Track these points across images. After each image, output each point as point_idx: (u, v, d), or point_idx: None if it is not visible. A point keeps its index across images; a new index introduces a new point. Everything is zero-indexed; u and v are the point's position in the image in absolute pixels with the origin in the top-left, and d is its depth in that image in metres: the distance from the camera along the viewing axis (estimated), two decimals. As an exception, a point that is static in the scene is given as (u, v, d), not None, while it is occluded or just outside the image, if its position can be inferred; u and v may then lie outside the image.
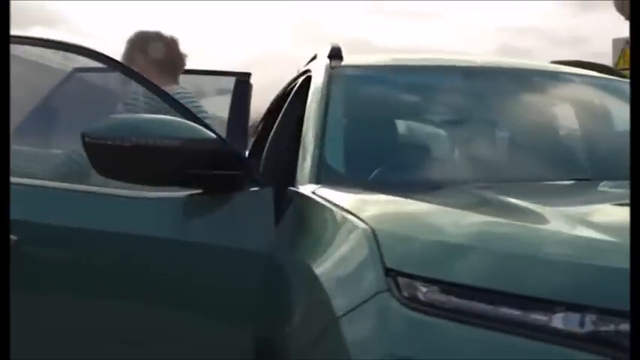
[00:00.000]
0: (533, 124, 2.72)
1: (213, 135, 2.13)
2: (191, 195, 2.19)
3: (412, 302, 1.35)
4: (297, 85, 3.00)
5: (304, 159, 2.24)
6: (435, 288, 1.35)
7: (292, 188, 2.14)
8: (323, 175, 2.16)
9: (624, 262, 1.23)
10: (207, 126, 2.20)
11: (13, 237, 2.19)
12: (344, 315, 1.42)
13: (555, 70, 3.03)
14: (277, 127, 2.90)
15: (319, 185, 2.08)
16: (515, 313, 1.27)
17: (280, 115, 2.96)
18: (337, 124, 2.40)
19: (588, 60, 3.29)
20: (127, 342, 2.24)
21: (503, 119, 2.73)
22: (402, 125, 2.75)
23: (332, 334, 1.42)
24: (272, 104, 3.84)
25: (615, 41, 12.63)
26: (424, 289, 1.36)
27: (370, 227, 1.55)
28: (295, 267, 1.76)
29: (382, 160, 2.46)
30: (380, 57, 3.17)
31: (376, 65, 2.88)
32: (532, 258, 1.34)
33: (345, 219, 1.69)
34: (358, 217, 1.64)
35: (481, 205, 1.77)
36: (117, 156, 2.07)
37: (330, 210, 1.79)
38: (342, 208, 1.75)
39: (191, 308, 2.15)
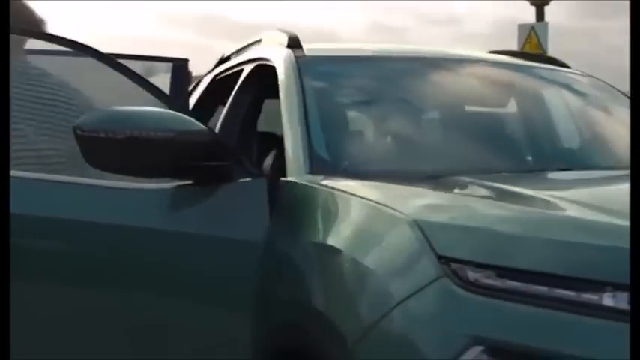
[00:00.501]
0: (507, 115, 2.89)
1: (203, 127, 2.16)
2: (183, 186, 2.21)
3: (470, 285, 1.47)
4: (243, 73, 3.02)
5: (293, 151, 2.27)
6: (491, 272, 1.47)
7: (288, 179, 2.21)
8: (315, 166, 2.21)
9: None
10: (198, 118, 2.26)
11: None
12: (404, 300, 1.51)
13: (514, 62, 3.18)
14: (229, 116, 2.97)
15: (322, 176, 2.13)
16: (569, 293, 1.41)
17: (230, 103, 2.99)
18: (319, 115, 2.46)
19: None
20: (121, 331, 2.27)
21: (479, 110, 2.88)
22: (378, 115, 2.85)
23: (393, 318, 1.52)
24: (207, 91, 3.71)
25: (521, 27, 13.05)
26: (479, 274, 1.48)
27: (410, 217, 1.63)
28: (319, 256, 1.82)
29: (370, 150, 2.53)
30: (337, 47, 3.21)
31: (343, 56, 2.92)
32: (578, 244, 1.48)
33: (379, 210, 1.77)
34: (392, 208, 1.75)
35: (503, 195, 1.90)
36: (109, 148, 2.10)
37: (358, 201, 1.88)
38: (372, 200, 1.84)
39: (183, 297, 2.15)
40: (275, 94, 2.69)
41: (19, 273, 2.18)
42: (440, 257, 1.52)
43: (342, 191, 1.98)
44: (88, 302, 2.29)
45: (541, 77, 3.13)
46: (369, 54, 3.02)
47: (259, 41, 3.26)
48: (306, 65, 2.63)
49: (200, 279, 2.17)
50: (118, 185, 2.32)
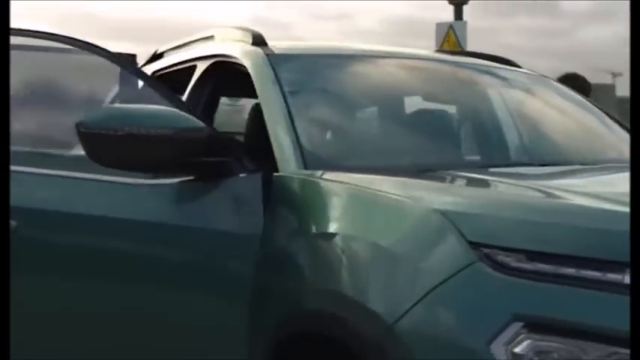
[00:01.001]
0: (479, 111, 3.09)
1: (202, 124, 2.27)
2: (184, 182, 2.33)
3: (503, 268, 1.63)
4: (198, 70, 3.09)
5: (283, 147, 2.38)
6: (521, 256, 1.64)
7: (287, 174, 2.32)
8: (309, 161, 2.33)
9: None
10: (198, 115, 2.38)
11: (12, 222, 2.29)
12: (442, 283, 1.66)
13: (475, 62, 3.38)
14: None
15: (320, 171, 2.24)
16: (595, 273, 1.59)
17: (186, 99, 3.00)
18: (302, 112, 2.58)
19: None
20: (122, 320, 2.37)
21: (453, 106, 3.07)
22: (356, 110, 3.00)
23: (432, 300, 1.66)
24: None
25: (439, 25, 13.40)
26: (509, 257, 1.65)
27: (435, 208, 1.80)
28: (344, 246, 1.94)
29: (355, 144, 2.68)
30: (299, 44, 3.28)
31: (313, 54, 3.06)
32: (597, 230, 1.67)
33: (400, 202, 1.91)
34: (414, 199, 1.91)
35: (511, 187, 2.09)
36: (111, 145, 2.20)
37: (375, 194, 2.02)
38: (391, 193, 1.99)
39: (183, 288, 2.29)
40: (238, 91, 2.80)
41: (24, 265, 2.26)
42: (471, 243, 1.68)
43: (356, 185, 2.12)
44: (91, 292, 2.39)
45: (499, 76, 3.33)
46: (338, 52, 3.16)
47: (211, 37, 3.34)
48: (278, 63, 2.74)
49: (199, 269, 2.28)
50: (119, 180, 2.43)
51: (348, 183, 2.15)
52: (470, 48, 12.66)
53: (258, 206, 2.25)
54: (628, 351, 1.50)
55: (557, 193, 1.97)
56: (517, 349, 1.55)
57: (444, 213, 1.77)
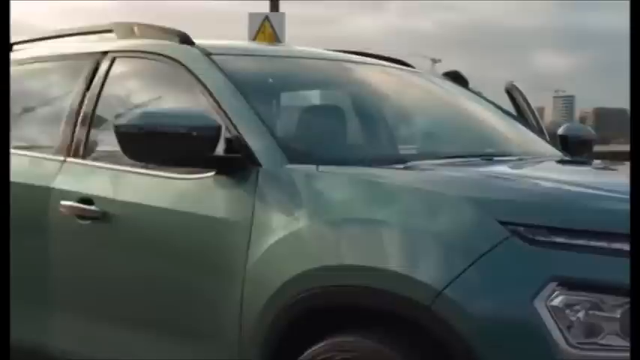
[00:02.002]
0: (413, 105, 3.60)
1: (216, 122, 2.69)
2: (207, 175, 2.76)
3: (531, 241, 2.12)
4: (103, 64, 3.37)
5: (260, 144, 2.71)
6: (545, 231, 2.13)
7: (283, 168, 2.64)
8: (290, 156, 2.68)
9: None
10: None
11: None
12: (484, 254, 2.11)
13: (393, 65, 3.87)
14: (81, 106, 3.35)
15: (310, 165, 2.62)
16: (601, 243, 2.10)
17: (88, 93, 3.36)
18: (265, 110, 2.97)
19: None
20: (147, 293, 2.90)
21: (391, 103, 3.56)
22: (310, 106, 3.39)
23: (475, 270, 2.10)
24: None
25: (252, 15, 13.82)
26: (533, 232, 2.13)
27: (467, 196, 2.28)
28: (372, 230, 2.32)
29: (325, 138, 3.09)
30: (225, 43, 3.55)
31: (250, 54, 3.43)
32: (598, 209, 2.20)
33: (423, 191, 2.38)
34: (434, 188, 2.38)
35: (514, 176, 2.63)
36: (142, 142, 2.66)
37: (391, 185, 2.46)
38: (411, 184, 2.45)
39: (201, 266, 2.73)
40: (168, 87, 3.17)
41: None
42: (502, 222, 2.14)
43: (363, 177, 2.54)
44: (123, 268, 2.95)
45: (408, 76, 3.85)
46: (268, 52, 3.55)
47: (110, 31, 3.63)
48: (221, 63, 3.07)
49: (214, 252, 2.69)
50: (154, 173, 2.93)
51: (362, 175, 2.57)
52: (289, 39, 13.21)
53: (268, 196, 2.61)
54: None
55: (549, 181, 2.49)
56: (553, 303, 2.03)
57: (476, 201, 2.23)
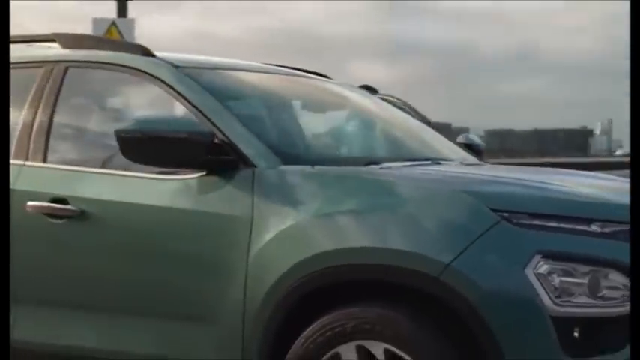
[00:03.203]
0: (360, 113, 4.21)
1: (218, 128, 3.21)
2: (199, 176, 3.20)
3: (520, 225, 2.76)
4: (54, 74, 3.69)
5: (250, 148, 3.19)
6: (526, 216, 2.78)
7: (279, 169, 3.14)
8: (283, 158, 3.19)
9: (614, 198, 2.90)
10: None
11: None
12: (481, 234, 2.72)
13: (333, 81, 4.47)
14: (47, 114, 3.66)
15: (304, 166, 3.14)
16: (569, 225, 2.79)
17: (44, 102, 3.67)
18: (248, 117, 3.50)
19: None
20: (150, 282, 3.29)
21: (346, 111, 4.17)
22: (284, 114, 3.93)
23: (475, 247, 2.70)
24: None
25: (97, 20, 14.03)
26: (518, 217, 2.78)
27: (461, 190, 2.89)
28: (379, 216, 2.89)
29: (306, 142, 3.66)
30: (188, 57, 3.98)
31: (215, 67, 3.92)
32: (567, 200, 2.90)
33: (422, 187, 2.98)
34: (432, 185, 2.99)
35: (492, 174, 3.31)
36: (141, 146, 3.10)
37: (393, 182, 3.04)
38: (407, 179, 3.05)
39: (203, 256, 3.18)
40: (132, 97, 3.64)
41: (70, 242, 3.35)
42: (493, 210, 2.79)
43: (359, 174, 3.12)
44: (136, 251, 3.32)
45: (354, 89, 4.47)
46: (229, 66, 4.06)
47: (52, 40, 3.99)
48: (195, 76, 3.55)
49: (209, 245, 3.15)
50: (150, 176, 3.30)
51: (358, 174, 3.16)
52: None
53: (248, 193, 3.10)
54: (601, 267, 2.70)
55: (512, 178, 3.19)
56: (539, 271, 2.68)
57: (469, 193, 2.86)
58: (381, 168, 3.35)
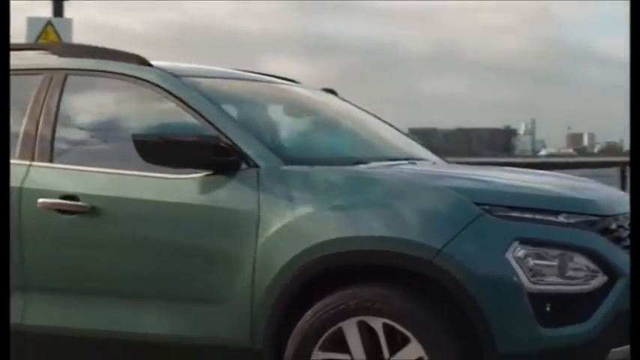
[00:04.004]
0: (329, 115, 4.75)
1: (216, 132, 3.70)
2: (206, 175, 3.69)
3: (500, 216, 3.32)
4: (54, 80, 4.11)
5: (253, 149, 3.67)
6: (504, 209, 3.35)
7: (282, 168, 3.62)
8: (284, 158, 3.69)
9: (576, 193, 3.52)
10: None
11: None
12: (468, 224, 3.28)
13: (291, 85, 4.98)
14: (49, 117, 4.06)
15: (304, 165, 3.65)
16: (541, 216, 3.38)
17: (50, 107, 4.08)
18: (248, 122, 4.04)
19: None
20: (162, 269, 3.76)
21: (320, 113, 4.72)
22: (280, 117, 4.45)
23: (464, 235, 3.26)
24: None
25: (31, 20, 14.19)
26: (497, 210, 3.35)
27: (448, 186, 3.45)
28: (378, 209, 3.40)
29: (300, 144, 4.19)
30: (184, 66, 4.40)
31: (208, 75, 4.40)
32: (535, 190, 3.50)
33: (413, 184, 3.53)
34: (425, 182, 3.56)
35: (472, 173, 3.89)
36: (159, 148, 3.60)
37: (384, 179, 3.58)
38: (398, 178, 3.61)
39: (209, 247, 3.68)
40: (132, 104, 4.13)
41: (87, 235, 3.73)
42: (477, 204, 3.36)
43: (356, 173, 3.67)
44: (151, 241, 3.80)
45: (319, 93, 5.00)
46: (221, 74, 4.55)
47: (44, 48, 4.47)
48: (194, 85, 4.02)
49: (217, 236, 3.66)
50: (157, 175, 3.79)
51: (356, 172, 3.71)
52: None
53: (254, 190, 3.61)
54: (567, 252, 3.29)
55: (495, 175, 3.77)
56: (517, 254, 3.25)
57: (455, 189, 3.43)
58: (368, 167, 3.89)
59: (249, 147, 3.74)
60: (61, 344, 3.97)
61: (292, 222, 3.54)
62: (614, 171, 8.95)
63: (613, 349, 3.37)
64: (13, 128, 4.14)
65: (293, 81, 5.02)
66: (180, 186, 3.76)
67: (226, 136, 3.74)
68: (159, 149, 3.62)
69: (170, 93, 3.94)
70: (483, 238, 3.31)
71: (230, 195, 3.68)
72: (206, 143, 3.65)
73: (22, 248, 3.97)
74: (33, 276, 3.98)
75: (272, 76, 4.95)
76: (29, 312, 3.97)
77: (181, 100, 3.91)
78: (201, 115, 3.84)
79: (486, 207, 3.35)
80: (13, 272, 3.90)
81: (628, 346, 3.38)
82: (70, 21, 14.61)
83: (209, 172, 3.71)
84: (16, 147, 4.11)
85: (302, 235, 3.51)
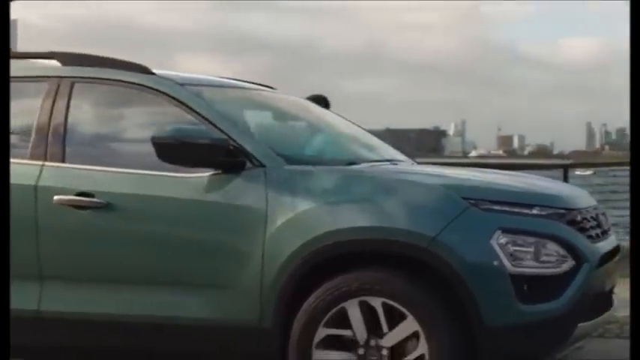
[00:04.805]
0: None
1: (226, 135, 4.28)
2: (215, 174, 4.27)
3: (484, 209, 3.96)
4: (62, 88, 4.64)
5: (257, 151, 4.24)
6: (488, 203, 3.99)
7: (285, 168, 4.21)
8: (287, 159, 4.27)
9: (544, 190, 4.23)
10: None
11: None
12: (457, 216, 3.91)
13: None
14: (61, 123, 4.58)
15: (307, 165, 4.25)
16: (518, 209, 4.04)
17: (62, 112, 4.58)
18: (250, 124, 4.63)
19: None
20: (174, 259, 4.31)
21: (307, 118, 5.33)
22: (275, 122, 5.07)
23: (454, 225, 3.90)
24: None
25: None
26: (481, 203, 3.99)
27: (438, 184, 4.09)
28: (375, 202, 4.00)
29: (297, 146, 4.79)
30: (184, 75, 4.93)
31: (204, 84, 4.96)
32: (512, 187, 4.17)
33: (409, 182, 4.15)
34: (420, 179, 4.19)
35: (456, 171, 4.53)
36: (176, 150, 4.16)
37: (380, 177, 4.22)
38: (401, 176, 4.27)
39: (219, 233, 4.25)
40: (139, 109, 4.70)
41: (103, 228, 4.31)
42: (464, 199, 4.00)
43: (353, 172, 4.29)
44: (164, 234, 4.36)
45: (308, 102, 5.61)
46: (219, 83, 5.13)
47: (51, 57, 4.93)
48: (198, 92, 4.62)
49: (226, 229, 4.23)
50: (176, 174, 4.35)
51: (356, 171, 4.34)
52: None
53: (261, 188, 4.20)
54: (541, 239, 3.96)
55: (477, 175, 4.44)
56: (500, 241, 3.91)
57: (445, 186, 4.08)
58: (363, 167, 4.51)
59: (254, 149, 4.31)
60: (76, 327, 4.48)
61: (297, 216, 4.12)
62: (558, 173, 9.74)
63: (580, 324, 4.05)
64: (21, 131, 4.72)
65: (270, 87, 5.61)
66: (191, 184, 4.30)
67: (233, 139, 4.30)
68: (175, 150, 4.18)
69: (178, 100, 4.50)
70: (471, 228, 3.95)
71: (239, 192, 4.24)
72: (217, 145, 4.22)
73: (38, 240, 4.48)
74: (48, 266, 4.48)
75: (253, 83, 5.53)
76: (45, 299, 4.47)
77: (188, 107, 4.47)
78: (208, 120, 4.40)
79: (472, 201, 4.00)
80: (28, 263, 4.48)
81: (593, 321, 4.10)
82: (14, 22, 14.97)
83: (216, 172, 4.27)
84: (26, 148, 4.63)
85: (307, 227, 4.10)
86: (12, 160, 4.49)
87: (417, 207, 4.03)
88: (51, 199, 4.47)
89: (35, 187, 4.52)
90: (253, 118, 4.97)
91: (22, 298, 4.42)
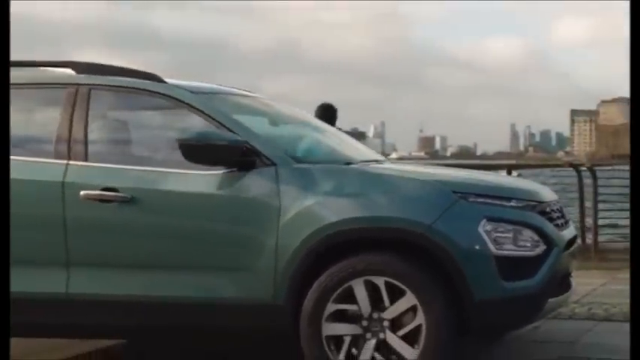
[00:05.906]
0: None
1: (242, 139, 5.09)
2: (230, 171, 5.10)
3: (472, 202, 4.88)
4: (82, 94, 5.41)
5: (268, 151, 5.06)
6: (474, 196, 4.91)
7: (294, 166, 5.06)
8: (296, 158, 5.15)
9: (519, 185, 5.18)
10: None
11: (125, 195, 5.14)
12: (449, 207, 4.82)
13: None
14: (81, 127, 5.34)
15: (312, 164, 5.13)
16: (499, 202, 4.97)
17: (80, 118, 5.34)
18: (257, 127, 5.47)
19: None
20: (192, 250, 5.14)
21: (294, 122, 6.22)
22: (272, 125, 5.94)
23: (447, 214, 4.78)
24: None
25: None
26: (469, 196, 4.91)
27: (433, 179, 5.02)
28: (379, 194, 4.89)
29: (297, 147, 5.65)
30: (193, 84, 5.74)
31: (211, 92, 5.79)
32: (493, 183, 5.13)
33: (406, 177, 5.06)
34: (416, 176, 5.12)
35: (444, 169, 5.40)
36: (199, 150, 4.98)
37: (379, 174, 5.13)
38: (400, 173, 5.18)
39: (232, 225, 5.08)
40: (153, 114, 5.54)
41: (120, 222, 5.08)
42: (454, 192, 4.92)
43: (356, 170, 5.19)
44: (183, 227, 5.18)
45: (285, 105, 6.48)
46: (225, 91, 5.97)
47: (66, 66, 5.68)
48: (208, 99, 5.48)
49: (239, 220, 5.08)
50: (196, 172, 5.17)
51: (356, 169, 5.23)
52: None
53: (273, 184, 5.05)
54: (518, 227, 4.91)
55: (462, 173, 5.38)
56: (486, 229, 4.83)
57: (438, 181, 5.00)
58: (361, 165, 5.41)
59: (266, 149, 5.15)
60: (100, 307, 5.24)
61: (306, 208, 4.98)
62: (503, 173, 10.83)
63: (550, 299, 5.03)
64: (41, 133, 5.55)
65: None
66: (208, 180, 5.11)
67: (247, 141, 5.12)
68: (198, 150, 4.99)
69: (192, 107, 5.31)
70: (461, 217, 4.87)
71: (254, 188, 5.07)
72: (234, 146, 5.05)
73: (66, 231, 5.23)
74: (75, 254, 5.23)
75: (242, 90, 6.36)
76: (72, 283, 5.23)
77: (204, 113, 5.28)
78: (222, 124, 5.22)
79: (461, 194, 4.92)
80: (56, 251, 5.23)
81: (559, 298, 5.09)
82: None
83: (230, 170, 5.08)
84: (49, 148, 5.38)
85: (316, 217, 4.96)
86: (37, 159, 5.36)
87: (414, 199, 4.93)
88: (77, 194, 5.21)
89: (62, 184, 5.25)
90: (261, 122, 5.82)
91: (52, 283, 5.19)
